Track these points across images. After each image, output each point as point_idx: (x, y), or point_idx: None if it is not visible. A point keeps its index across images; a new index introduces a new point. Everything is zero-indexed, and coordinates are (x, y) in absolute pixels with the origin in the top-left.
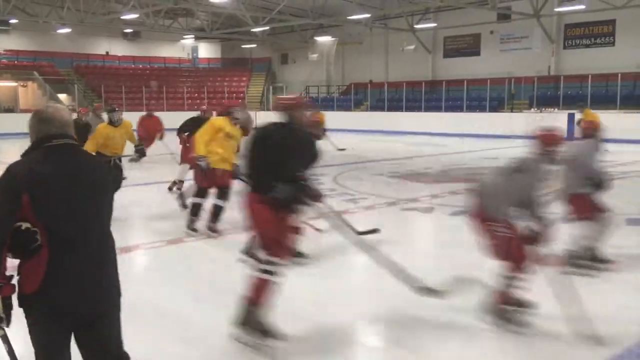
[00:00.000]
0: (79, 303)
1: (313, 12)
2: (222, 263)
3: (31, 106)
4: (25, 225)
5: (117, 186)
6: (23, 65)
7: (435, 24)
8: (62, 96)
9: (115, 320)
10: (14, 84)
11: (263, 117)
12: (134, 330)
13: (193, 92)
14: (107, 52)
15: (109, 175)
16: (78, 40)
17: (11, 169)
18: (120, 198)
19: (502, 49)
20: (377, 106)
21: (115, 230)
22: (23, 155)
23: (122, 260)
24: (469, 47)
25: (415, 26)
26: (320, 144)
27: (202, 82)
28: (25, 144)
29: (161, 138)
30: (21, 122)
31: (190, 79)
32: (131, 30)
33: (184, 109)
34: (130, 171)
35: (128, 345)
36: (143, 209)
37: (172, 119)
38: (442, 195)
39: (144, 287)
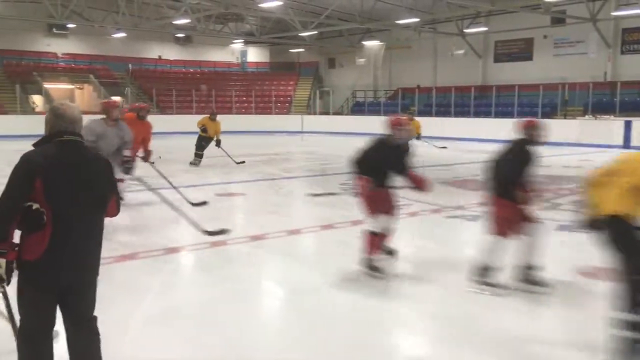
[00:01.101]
0: (71, 271)
1: (361, 17)
2: (264, 267)
3: (87, 108)
4: (35, 205)
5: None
6: (79, 69)
7: (486, 28)
8: (116, 99)
9: (94, 289)
10: (70, 86)
11: (311, 121)
12: (174, 331)
13: (241, 95)
14: (160, 56)
15: (108, 171)
16: (132, 45)
17: (28, 157)
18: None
19: (555, 54)
20: (425, 111)
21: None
22: (35, 145)
23: (168, 261)
24: (521, 51)
25: (465, 30)
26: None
27: (250, 86)
28: None
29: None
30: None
31: (238, 82)
32: (183, 35)
33: (232, 112)
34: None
35: (167, 346)
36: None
37: (221, 122)
38: None
39: (189, 288)
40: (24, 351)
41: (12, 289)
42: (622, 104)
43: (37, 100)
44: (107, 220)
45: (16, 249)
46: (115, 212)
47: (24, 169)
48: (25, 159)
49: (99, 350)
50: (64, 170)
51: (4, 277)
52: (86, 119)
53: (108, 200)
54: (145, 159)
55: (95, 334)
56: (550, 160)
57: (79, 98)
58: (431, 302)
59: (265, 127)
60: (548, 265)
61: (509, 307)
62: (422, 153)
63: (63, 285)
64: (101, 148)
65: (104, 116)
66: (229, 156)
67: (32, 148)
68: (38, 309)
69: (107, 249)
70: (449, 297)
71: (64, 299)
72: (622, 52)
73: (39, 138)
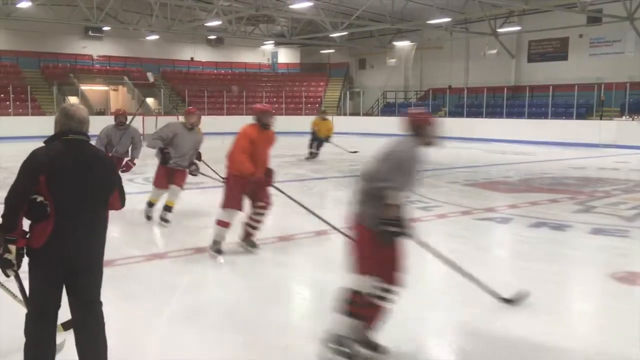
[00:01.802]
0: (74, 258)
1: (392, 17)
2: (292, 268)
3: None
4: (39, 198)
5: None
6: (114, 70)
7: (519, 28)
8: (150, 100)
9: (97, 275)
10: (105, 88)
11: (341, 122)
12: (198, 331)
13: (272, 96)
14: (192, 58)
15: (111, 170)
16: (165, 47)
17: (34, 153)
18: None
19: (591, 54)
20: (456, 112)
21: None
22: (46, 142)
23: (196, 260)
24: (555, 51)
25: (498, 30)
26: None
27: (280, 87)
28: None
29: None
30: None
31: (269, 83)
32: (215, 37)
33: None
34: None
35: (192, 345)
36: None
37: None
38: (521, 205)
39: (216, 288)
40: (30, 330)
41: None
42: None
43: (73, 101)
44: (135, 219)
45: (27, 236)
46: (119, 205)
47: (30, 165)
48: (32, 155)
49: (103, 334)
50: (66, 166)
51: (14, 262)
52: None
53: (109, 194)
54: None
55: (100, 318)
56: (585, 162)
57: (114, 100)
58: (460, 305)
59: (296, 128)
60: (580, 268)
61: (539, 312)
62: (451, 155)
63: (66, 270)
64: (176, 145)
65: (183, 120)
66: (342, 148)
67: (43, 145)
68: (43, 293)
69: (137, 248)
70: (479, 303)
71: (68, 283)
72: None
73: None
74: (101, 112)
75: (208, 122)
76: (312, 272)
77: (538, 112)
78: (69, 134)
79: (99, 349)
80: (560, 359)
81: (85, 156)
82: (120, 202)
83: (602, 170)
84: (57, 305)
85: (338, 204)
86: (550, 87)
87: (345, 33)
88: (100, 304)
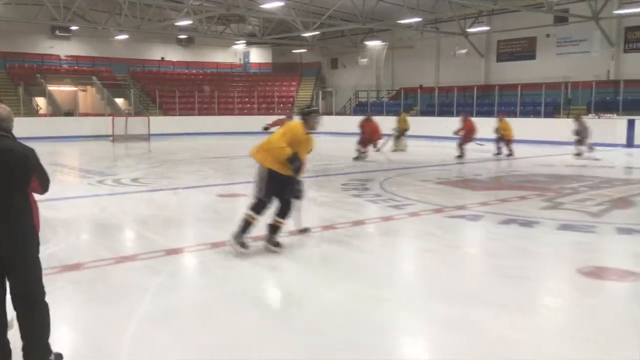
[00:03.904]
0: None
1: (363, 17)
2: (265, 268)
3: (90, 110)
4: None
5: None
6: (82, 70)
7: (488, 28)
8: (119, 100)
9: (31, 267)
10: (74, 88)
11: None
12: (170, 332)
13: (244, 96)
14: (162, 58)
15: (22, 161)
16: (134, 46)
17: None
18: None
19: (558, 53)
20: (428, 111)
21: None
22: None
23: (167, 262)
24: (523, 50)
25: (468, 30)
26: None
27: (252, 87)
28: (85, 146)
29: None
30: (80, 126)
31: (241, 83)
32: (185, 37)
33: (234, 113)
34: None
35: (164, 347)
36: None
37: (223, 123)
38: (491, 203)
39: (187, 290)
40: None
41: None
42: (625, 103)
43: (41, 102)
44: (105, 221)
45: None
46: (40, 191)
47: None
48: None
49: (42, 327)
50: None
51: None
52: (90, 119)
53: (23, 184)
54: None
55: (40, 312)
56: (553, 160)
57: (82, 100)
58: (431, 303)
59: None
60: (548, 264)
61: (508, 307)
62: (423, 153)
63: None
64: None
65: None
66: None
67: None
68: None
69: (107, 250)
70: (450, 299)
71: (4, 274)
72: (625, 51)
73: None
74: (69, 113)
75: (179, 123)
76: (286, 273)
77: (507, 111)
78: None
79: (37, 343)
80: (532, 353)
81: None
82: (41, 189)
83: (569, 168)
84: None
85: (309, 204)
86: (519, 86)
87: (317, 33)
88: (42, 297)
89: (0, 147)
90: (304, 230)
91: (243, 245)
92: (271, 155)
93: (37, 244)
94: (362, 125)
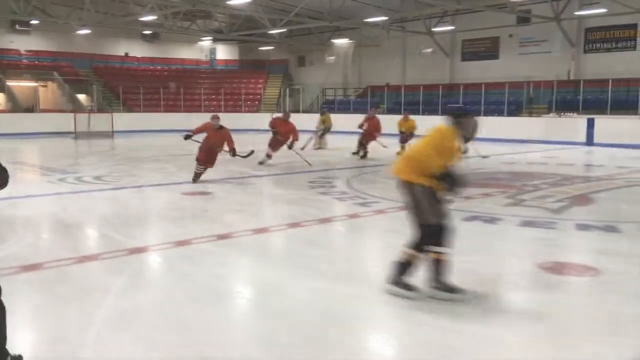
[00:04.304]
0: None
1: (330, 15)
2: (230, 266)
3: (51, 106)
4: None
5: None
6: (43, 66)
7: (453, 27)
8: (81, 96)
9: None
10: (34, 84)
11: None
12: (133, 332)
13: (210, 93)
14: (126, 54)
15: None
16: (97, 42)
17: None
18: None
19: (521, 53)
20: (394, 109)
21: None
22: None
23: (130, 261)
24: (487, 50)
25: (433, 29)
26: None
27: (219, 84)
28: (46, 143)
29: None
30: (41, 122)
31: (207, 80)
32: (150, 32)
33: (201, 110)
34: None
35: (126, 347)
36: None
37: (189, 121)
38: (455, 200)
39: (151, 289)
40: None
41: None
42: (585, 102)
43: (0, 98)
44: (66, 220)
45: None
46: None
47: None
48: None
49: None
50: None
51: None
52: (51, 116)
53: None
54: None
55: None
56: (515, 157)
57: (43, 96)
58: (397, 299)
59: (236, 125)
60: (510, 259)
61: (470, 303)
62: (390, 152)
63: None
64: None
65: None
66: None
67: None
68: None
69: (68, 249)
70: (415, 294)
71: None
72: (585, 51)
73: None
74: (29, 109)
75: (144, 119)
76: (250, 270)
77: (471, 109)
78: None
79: None
80: (492, 347)
81: None
82: None
83: (531, 165)
84: None
85: (275, 202)
86: (483, 85)
87: (284, 30)
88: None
89: None
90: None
91: (408, 287)
92: (416, 167)
93: None
94: (275, 125)
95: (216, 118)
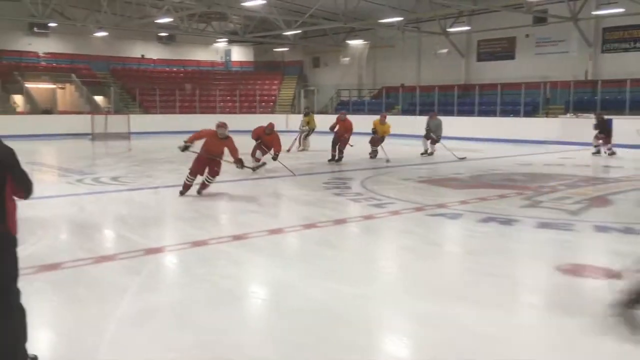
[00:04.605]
0: None
1: (345, 16)
2: (245, 267)
3: (69, 108)
4: None
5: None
6: (61, 68)
7: (468, 28)
8: (99, 98)
9: (3, 264)
10: (52, 86)
11: (295, 120)
12: (149, 332)
13: (225, 95)
14: (143, 56)
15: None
16: (114, 44)
17: None
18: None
19: (537, 53)
20: (409, 110)
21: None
22: None
23: (147, 261)
24: (503, 50)
25: (449, 30)
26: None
27: (234, 85)
28: (63, 144)
29: None
30: (59, 124)
31: (222, 82)
32: (166, 34)
33: (216, 111)
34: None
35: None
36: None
37: (205, 122)
38: (471, 201)
39: (167, 289)
40: None
41: None
42: (603, 102)
43: (18, 100)
44: (83, 221)
45: None
46: (21, 194)
47: None
48: None
49: (18, 332)
50: None
51: None
52: (69, 117)
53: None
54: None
55: (9, 310)
56: (531, 159)
57: (61, 98)
58: (411, 300)
59: (250, 126)
60: (527, 261)
61: (487, 304)
62: (404, 152)
63: None
64: None
65: None
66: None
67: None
68: None
69: (85, 250)
70: (430, 296)
71: None
72: (603, 51)
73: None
74: (48, 111)
75: (160, 121)
76: (267, 271)
77: (487, 110)
78: None
79: (12, 349)
80: (509, 350)
81: None
82: (19, 191)
83: (548, 166)
84: None
85: (290, 203)
86: (499, 86)
87: (299, 31)
88: (15, 295)
89: None
90: None
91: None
92: None
93: (12, 246)
94: (259, 135)
95: (223, 127)
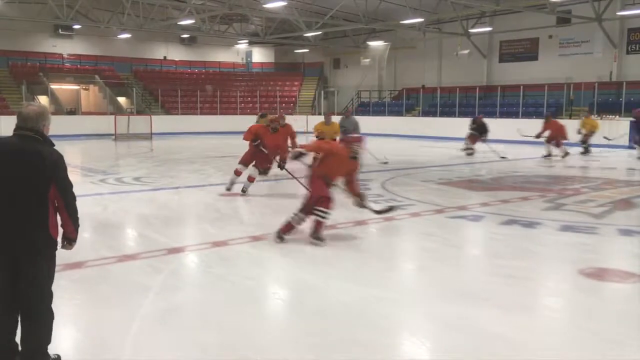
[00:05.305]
0: (3, 244)
1: (365, 17)
2: (266, 267)
3: (92, 109)
4: None
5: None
6: (85, 69)
7: (490, 28)
8: (122, 99)
9: (39, 274)
10: (76, 87)
11: (314, 121)
12: (172, 332)
13: (246, 96)
14: (165, 57)
15: (36, 166)
16: (137, 46)
17: None
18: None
19: (561, 54)
20: (430, 111)
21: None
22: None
23: (169, 261)
24: (526, 51)
25: (470, 30)
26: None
27: (255, 87)
28: (87, 145)
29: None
30: (83, 124)
31: (243, 83)
32: (188, 36)
33: (236, 112)
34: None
35: (166, 346)
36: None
37: (226, 122)
38: (493, 203)
39: (189, 289)
40: None
41: None
42: (628, 104)
43: (43, 100)
44: (107, 220)
45: None
46: (60, 202)
47: None
48: None
49: (44, 333)
50: (1, 157)
51: None
52: (93, 118)
53: (38, 189)
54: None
55: (39, 313)
56: (554, 160)
57: (85, 99)
58: (432, 303)
59: None
60: (550, 264)
61: (509, 308)
62: (425, 154)
63: (6, 257)
64: None
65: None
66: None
67: None
68: None
69: (109, 249)
70: (452, 299)
71: (13, 273)
72: (628, 52)
73: None
74: (72, 112)
75: (182, 122)
76: (288, 271)
77: (509, 112)
78: (16, 129)
79: (36, 350)
80: (532, 353)
81: (7, 151)
82: (60, 199)
83: (571, 169)
84: (5, 296)
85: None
86: (521, 87)
87: (320, 33)
88: (49, 298)
89: (15, 149)
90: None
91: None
92: None
93: (51, 250)
94: (260, 134)
95: (280, 117)
